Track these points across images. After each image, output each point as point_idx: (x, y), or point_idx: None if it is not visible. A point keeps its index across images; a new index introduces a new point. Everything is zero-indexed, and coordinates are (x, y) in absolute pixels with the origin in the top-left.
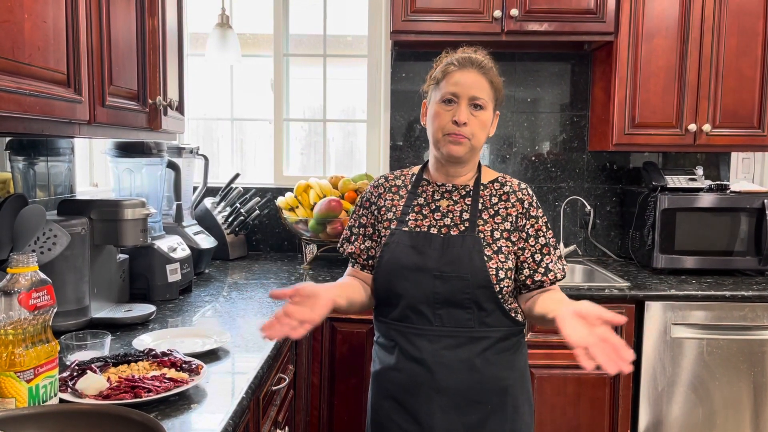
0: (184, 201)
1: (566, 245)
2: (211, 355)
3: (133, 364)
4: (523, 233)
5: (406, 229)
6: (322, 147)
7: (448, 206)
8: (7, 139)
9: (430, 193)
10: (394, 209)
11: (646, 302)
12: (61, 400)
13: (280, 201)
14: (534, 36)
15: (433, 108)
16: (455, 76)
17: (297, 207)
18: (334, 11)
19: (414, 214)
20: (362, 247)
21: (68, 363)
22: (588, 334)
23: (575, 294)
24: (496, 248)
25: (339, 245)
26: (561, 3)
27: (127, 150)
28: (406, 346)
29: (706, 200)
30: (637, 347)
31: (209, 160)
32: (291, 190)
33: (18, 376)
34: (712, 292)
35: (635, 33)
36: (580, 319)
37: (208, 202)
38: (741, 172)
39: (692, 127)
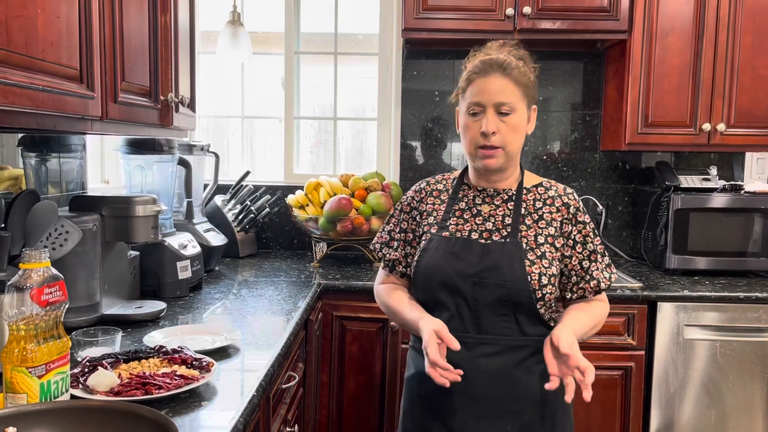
0: (194, 198)
1: None
2: (221, 353)
3: (143, 360)
4: (570, 240)
5: (446, 234)
6: (332, 145)
7: (490, 211)
8: (20, 135)
9: (471, 198)
10: (435, 213)
11: (659, 303)
12: (73, 396)
13: (291, 199)
14: (547, 34)
15: (463, 120)
16: (477, 84)
17: (307, 205)
18: (346, 9)
19: (455, 219)
20: (403, 253)
21: (79, 359)
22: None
23: None
24: (539, 253)
25: (378, 249)
26: (574, 1)
27: (138, 147)
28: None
29: (719, 201)
30: (649, 348)
31: (220, 158)
32: (301, 188)
33: (30, 372)
34: (726, 294)
35: (649, 31)
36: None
37: (218, 199)
38: (755, 173)
39: (706, 126)
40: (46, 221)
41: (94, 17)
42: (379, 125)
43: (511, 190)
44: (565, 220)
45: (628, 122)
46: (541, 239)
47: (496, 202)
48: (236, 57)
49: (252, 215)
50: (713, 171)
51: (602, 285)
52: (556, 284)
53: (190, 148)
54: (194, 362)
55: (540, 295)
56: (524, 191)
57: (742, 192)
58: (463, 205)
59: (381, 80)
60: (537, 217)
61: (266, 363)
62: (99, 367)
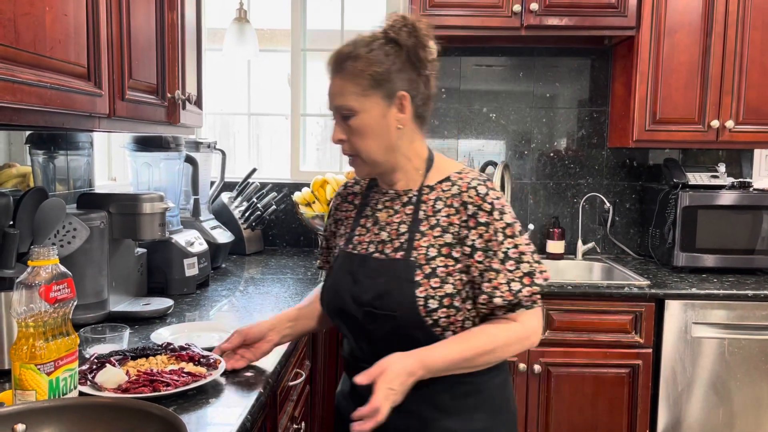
0: (201, 195)
1: (585, 242)
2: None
3: (151, 357)
4: (467, 247)
5: (350, 247)
6: None
7: (387, 218)
8: (27, 132)
9: (375, 203)
10: (346, 222)
11: (666, 301)
12: (81, 393)
13: (297, 196)
14: (554, 31)
15: None
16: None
17: (313, 202)
18: (352, 6)
19: (360, 228)
20: (329, 260)
21: (87, 356)
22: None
23: (594, 292)
24: (429, 270)
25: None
26: None
27: (145, 144)
28: (349, 382)
29: (728, 198)
30: (657, 346)
31: (226, 155)
32: (308, 185)
33: (38, 369)
34: (734, 291)
35: (657, 27)
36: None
37: (225, 196)
38: (764, 170)
39: (715, 123)
40: (55, 219)
41: (102, 15)
42: None
43: (411, 190)
44: (462, 224)
45: (635, 119)
46: (433, 252)
47: (395, 207)
48: (243, 54)
49: (258, 212)
50: (722, 168)
51: (496, 299)
52: (458, 305)
53: (196, 145)
54: (201, 359)
55: (430, 321)
56: (426, 191)
57: (751, 189)
58: (368, 211)
59: None
60: (434, 222)
61: (273, 360)
62: (107, 364)
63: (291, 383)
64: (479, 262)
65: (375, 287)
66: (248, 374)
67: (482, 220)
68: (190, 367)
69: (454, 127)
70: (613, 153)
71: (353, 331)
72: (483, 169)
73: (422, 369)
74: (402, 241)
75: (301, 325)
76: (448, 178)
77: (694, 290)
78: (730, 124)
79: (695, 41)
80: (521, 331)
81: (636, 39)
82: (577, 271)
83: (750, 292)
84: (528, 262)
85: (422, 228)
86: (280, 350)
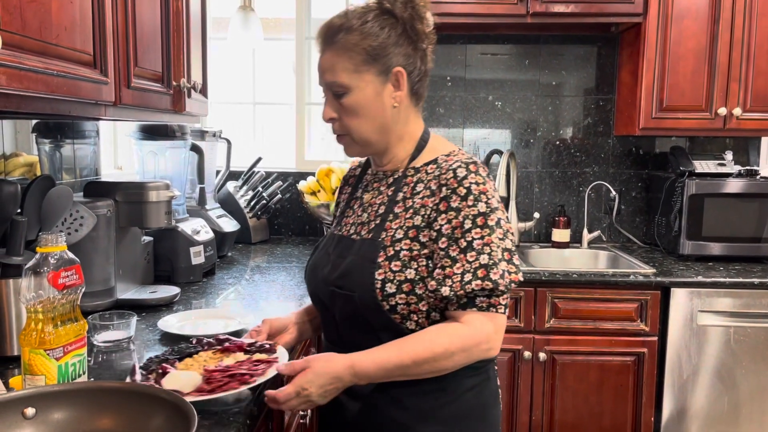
0: (207, 184)
1: (590, 231)
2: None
3: (196, 356)
4: (433, 231)
5: (337, 229)
6: None
7: (370, 199)
8: (34, 121)
9: (366, 184)
10: (342, 205)
11: (672, 289)
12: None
13: (302, 185)
14: (560, 18)
15: None
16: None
17: (319, 191)
18: None
19: (349, 210)
20: None
21: (95, 342)
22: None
23: (599, 280)
24: (392, 252)
25: None
26: None
27: (151, 133)
28: None
29: (734, 186)
30: (662, 334)
31: (232, 144)
32: (313, 174)
33: (48, 354)
34: (741, 279)
35: (664, 14)
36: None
37: (230, 185)
38: None
39: (722, 110)
40: (62, 206)
41: (107, 2)
42: None
43: (397, 171)
44: (434, 207)
45: (642, 107)
46: (400, 234)
47: (380, 188)
48: (247, 43)
49: (264, 201)
50: (728, 156)
51: (444, 288)
52: (419, 293)
53: (202, 134)
54: (250, 347)
55: (387, 307)
56: (411, 172)
57: (758, 177)
58: (359, 192)
59: None
60: (410, 204)
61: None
62: (169, 370)
63: None
64: (441, 249)
65: (341, 267)
66: None
67: (454, 204)
68: (258, 356)
69: (459, 115)
70: (620, 141)
71: (322, 313)
72: (488, 158)
73: (350, 374)
74: (377, 222)
75: (318, 321)
76: (435, 160)
77: (700, 278)
78: (737, 111)
79: (702, 28)
80: (469, 337)
81: (643, 26)
82: (582, 259)
83: (756, 280)
84: (489, 255)
85: (396, 210)
86: None
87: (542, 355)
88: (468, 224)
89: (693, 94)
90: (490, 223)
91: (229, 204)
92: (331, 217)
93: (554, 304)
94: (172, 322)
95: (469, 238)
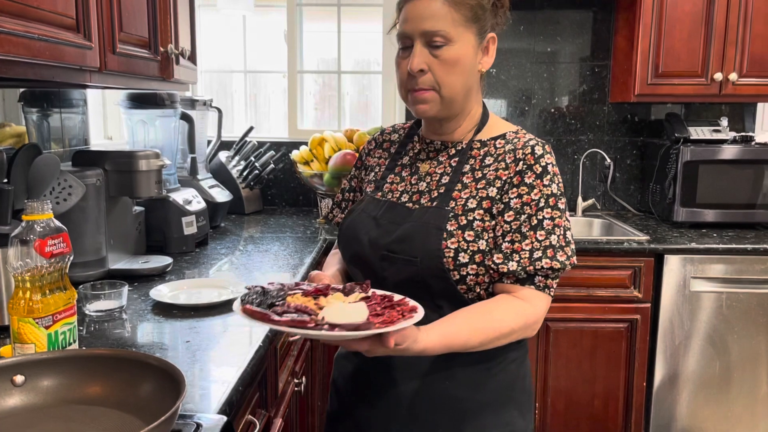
0: (198, 154)
1: (585, 199)
2: (227, 306)
3: (294, 296)
4: (502, 204)
5: (379, 194)
6: (336, 101)
7: (428, 169)
8: (21, 90)
9: (416, 152)
10: (377, 169)
11: (666, 256)
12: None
13: (295, 155)
14: None
15: (396, 59)
16: (406, 9)
17: (312, 161)
18: None
19: (392, 177)
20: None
21: (86, 311)
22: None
23: (593, 248)
24: (464, 222)
25: (330, 211)
26: None
27: (139, 101)
28: None
29: (729, 152)
30: (655, 301)
31: (223, 113)
32: (306, 143)
33: (36, 323)
34: (734, 246)
35: None
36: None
37: (222, 155)
38: (767, 124)
39: (718, 76)
40: (49, 175)
41: None
42: (384, 79)
43: (461, 143)
44: (507, 180)
45: (638, 73)
46: (472, 203)
47: (440, 158)
48: (238, 10)
49: (257, 171)
50: (724, 122)
51: (511, 264)
52: (489, 264)
53: (192, 102)
54: (345, 291)
55: (457, 276)
56: (477, 145)
57: (753, 144)
58: (406, 160)
59: (386, 32)
60: (480, 175)
61: None
62: (325, 296)
63: (291, 338)
64: (506, 222)
65: (397, 231)
66: (248, 329)
67: (528, 180)
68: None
69: None
70: (615, 108)
71: (366, 275)
72: None
73: (417, 350)
74: (441, 191)
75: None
76: (503, 136)
77: (693, 245)
78: (733, 76)
79: None
80: (531, 316)
81: None
82: (577, 227)
83: (749, 246)
84: (558, 237)
85: (465, 180)
86: None
87: None
88: (542, 203)
89: (689, 59)
90: (561, 206)
91: (221, 174)
92: (324, 186)
93: None
94: (164, 292)
95: (540, 217)
